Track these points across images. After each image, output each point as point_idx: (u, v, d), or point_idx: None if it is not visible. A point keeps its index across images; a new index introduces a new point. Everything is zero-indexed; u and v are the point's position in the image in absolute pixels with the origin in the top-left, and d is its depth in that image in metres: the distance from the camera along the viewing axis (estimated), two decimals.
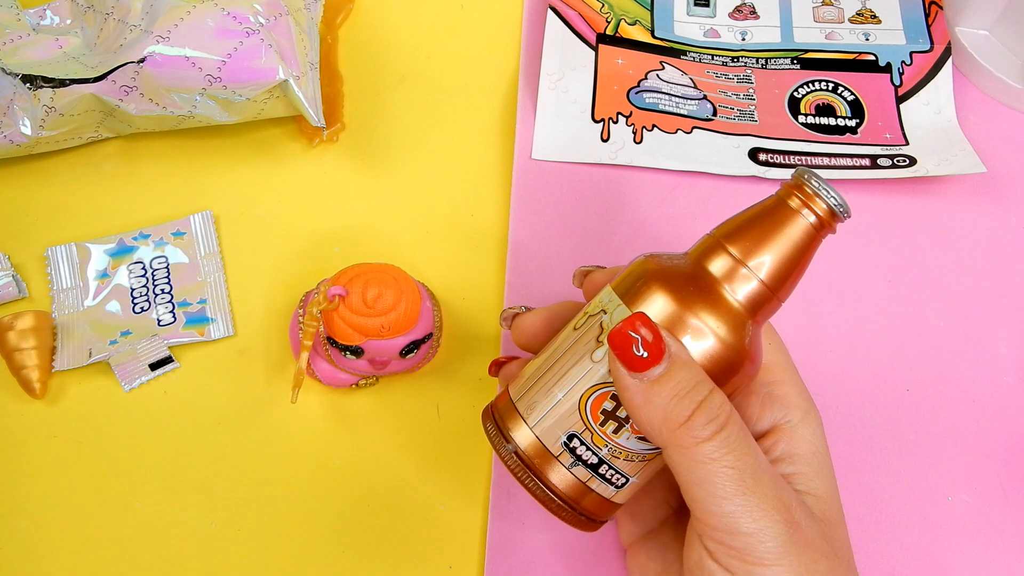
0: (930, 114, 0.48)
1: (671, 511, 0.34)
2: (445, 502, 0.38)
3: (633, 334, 0.27)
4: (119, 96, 0.43)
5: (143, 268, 0.43)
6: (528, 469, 0.29)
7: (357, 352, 0.36)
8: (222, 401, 0.40)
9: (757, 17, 0.53)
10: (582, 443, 0.29)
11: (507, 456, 0.30)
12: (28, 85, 0.42)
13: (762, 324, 0.29)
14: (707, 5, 0.53)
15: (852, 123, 0.48)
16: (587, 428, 0.28)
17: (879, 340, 0.42)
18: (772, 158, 0.46)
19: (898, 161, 0.46)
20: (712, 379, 0.27)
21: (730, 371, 0.28)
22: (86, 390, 0.40)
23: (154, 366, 0.40)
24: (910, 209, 0.46)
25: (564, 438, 0.29)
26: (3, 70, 0.42)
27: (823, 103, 0.49)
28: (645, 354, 0.26)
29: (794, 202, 0.28)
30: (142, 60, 0.41)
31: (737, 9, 0.53)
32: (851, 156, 0.46)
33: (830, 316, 0.43)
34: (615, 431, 0.28)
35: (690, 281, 0.28)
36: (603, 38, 0.51)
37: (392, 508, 0.38)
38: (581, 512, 0.30)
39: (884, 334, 0.42)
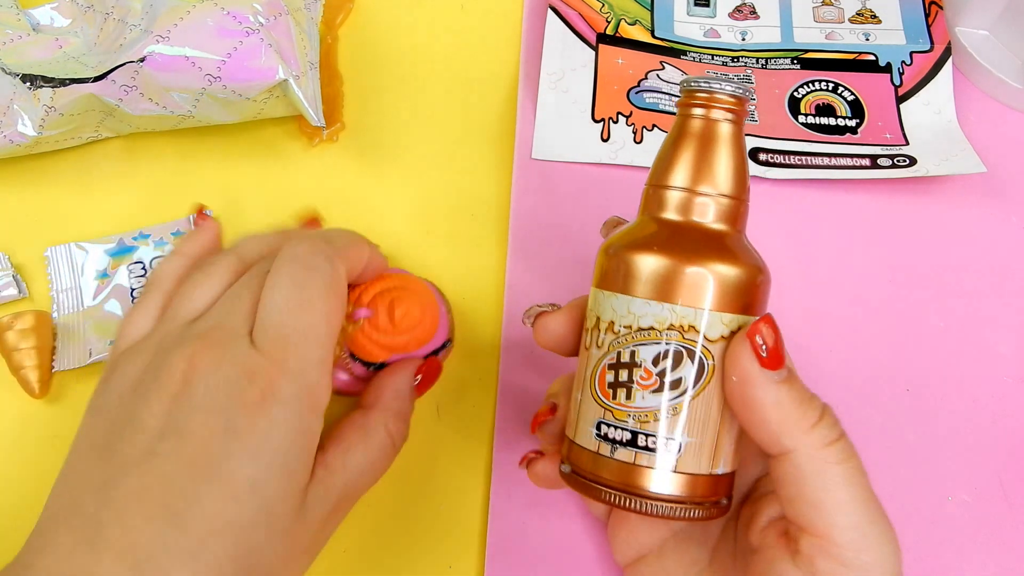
0: (930, 114, 0.48)
1: (670, 532, 0.33)
2: (445, 502, 0.38)
3: (759, 338, 0.27)
4: (119, 96, 0.43)
5: (143, 268, 0.43)
6: (582, 477, 0.29)
7: (382, 367, 0.36)
8: None
9: (757, 17, 0.53)
10: (607, 425, 0.28)
11: (567, 479, 0.30)
12: (28, 85, 0.42)
13: (744, 232, 0.29)
14: (707, 5, 0.53)
15: (852, 123, 0.48)
16: (606, 409, 0.28)
17: (879, 340, 0.42)
18: (772, 158, 0.46)
19: (898, 161, 0.46)
20: (733, 307, 0.27)
21: (742, 290, 0.28)
22: (86, 390, 0.40)
23: None
24: (910, 209, 0.46)
25: (594, 430, 0.29)
26: (3, 70, 0.42)
27: (823, 103, 0.49)
28: (766, 356, 0.27)
29: (699, 112, 0.29)
30: (142, 60, 0.41)
31: (737, 9, 0.53)
32: (851, 156, 0.46)
33: (830, 316, 0.43)
34: (627, 396, 0.28)
35: (658, 237, 0.28)
36: (603, 38, 0.51)
37: (392, 508, 0.38)
38: (669, 500, 0.28)
39: (884, 334, 0.42)
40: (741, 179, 0.29)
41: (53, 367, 0.40)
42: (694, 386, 0.28)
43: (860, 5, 0.53)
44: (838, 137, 0.47)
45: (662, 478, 0.28)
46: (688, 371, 0.28)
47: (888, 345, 0.42)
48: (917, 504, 0.38)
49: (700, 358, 0.27)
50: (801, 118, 0.48)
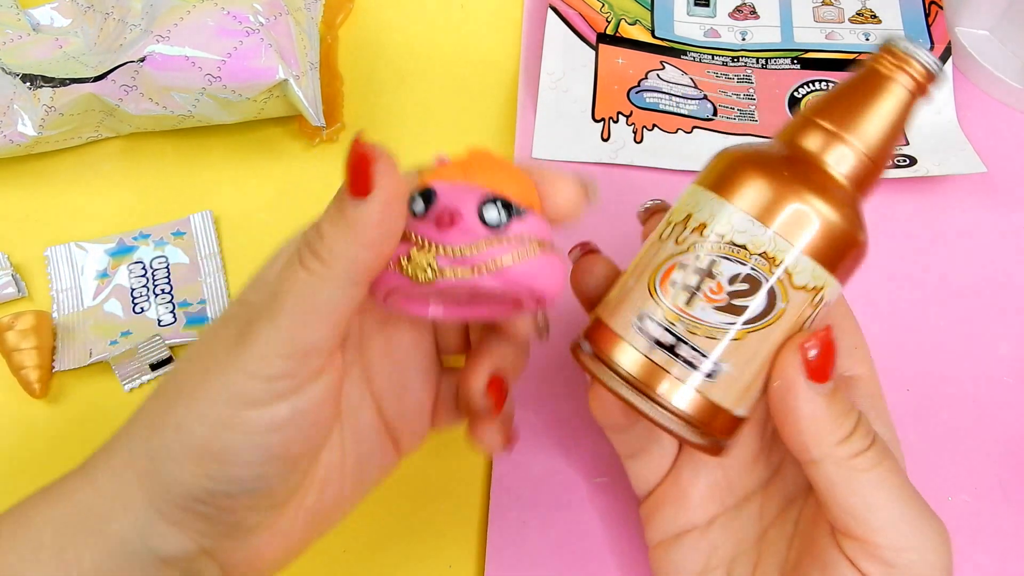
0: (930, 114, 0.48)
1: (723, 508, 0.32)
2: (445, 501, 0.38)
3: (811, 350, 0.26)
4: (119, 96, 0.43)
5: (143, 268, 0.43)
6: (599, 360, 0.28)
7: (427, 198, 0.27)
8: None
9: (757, 17, 0.53)
10: (652, 320, 0.27)
11: (583, 359, 0.28)
12: (28, 85, 0.42)
13: (866, 198, 0.28)
14: (707, 5, 0.53)
15: None
16: (658, 305, 0.27)
17: (879, 340, 0.42)
18: None
19: (898, 161, 0.46)
20: (828, 262, 0.27)
21: (844, 249, 0.27)
22: (86, 390, 0.40)
23: (155, 366, 0.40)
24: (910, 209, 0.46)
25: (636, 320, 0.27)
26: (3, 70, 0.42)
27: None
28: (814, 368, 0.26)
29: (886, 67, 0.28)
30: (142, 59, 0.41)
31: (737, 9, 0.53)
32: None
33: None
34: (688, 302, 0.27)
35: (788, 163, 0.27)
36: (603, 38, 0.51)
37: (391, 507, 0.38)
38: (678, 416, 0.27)
39: (884, 334, 0.42)
40: (888, 147, 0.28)
41: (53, 367, 0.40)
42: (757, 320, 0.27)
43: (860, 5, 0.53)
44: None
45: (683, 393, 0.27)
46: (759, 303, 0.26)
47: (888, 345, 0.42)
48: None
49: (776, 296, 0.26)
50: None
